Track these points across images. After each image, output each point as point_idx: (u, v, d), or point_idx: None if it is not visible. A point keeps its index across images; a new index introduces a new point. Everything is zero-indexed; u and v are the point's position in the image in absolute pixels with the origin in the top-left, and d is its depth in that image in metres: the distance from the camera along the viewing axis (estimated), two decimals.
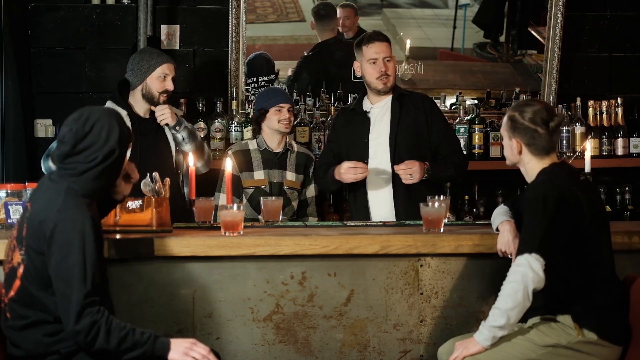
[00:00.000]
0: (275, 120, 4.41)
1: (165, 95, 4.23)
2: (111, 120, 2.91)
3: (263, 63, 5.28)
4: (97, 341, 2.74)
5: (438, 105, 4.68)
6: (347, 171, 4.15)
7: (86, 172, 2.86)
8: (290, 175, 4.48)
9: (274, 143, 4.48)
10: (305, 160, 4.54)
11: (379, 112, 4.32)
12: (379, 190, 4.26)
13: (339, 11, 5.32)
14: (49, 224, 2.78)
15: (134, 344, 2.78)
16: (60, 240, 2.76)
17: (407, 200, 4.15)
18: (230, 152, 4.52)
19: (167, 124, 4.23)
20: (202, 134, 5.02)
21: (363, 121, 4.32)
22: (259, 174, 4.46)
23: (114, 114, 2.99)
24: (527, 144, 3.17)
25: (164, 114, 4.19)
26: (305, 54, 5.33)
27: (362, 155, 4.27)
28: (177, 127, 4.22)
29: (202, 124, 5.02)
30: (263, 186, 4.43)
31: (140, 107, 4.24)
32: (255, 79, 5.25)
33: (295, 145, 4.57)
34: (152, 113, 4.24)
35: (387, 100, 4.31)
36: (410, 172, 4.07)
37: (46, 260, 2.79)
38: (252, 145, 4.52)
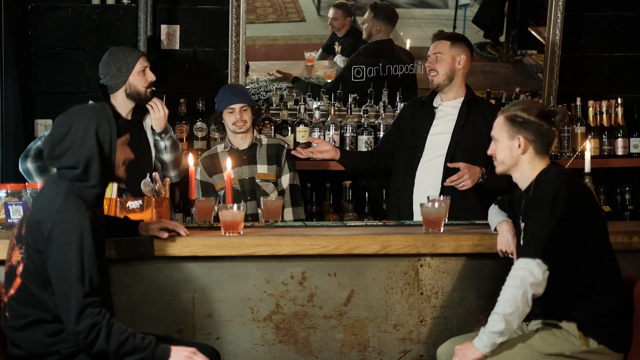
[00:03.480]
0: (230, 122, 4.40)
1: (151, 88, 4.15)
2: (89, 119, 2.87)
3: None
4: (97, 343, 2.74)
5: None
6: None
7: (79, 181, 2.86)
8: (262, 168, 4.45)
9: (238, 141, 4.46)
10: (276, 150, 4.50)
11: (447, 111, 4.29)
12: (427, 187, 4.16)
13: (330, 11, 5.33)
14: (47, 223, 2.78)
15: (133, 348, 2.77)
16: (58, 239, 2.76)
17: (454, 203, 3.97)
18: (199, 160, 4.52)
19: (153, 129, 4.18)
20: (201, 134, 5.03)
21: (428, 115, 4.31)
22: None
23: (96, 109, 2.93)
24: (533, 140, 3.10)
25: (160, 116, 4.12)
26: (359, 51, 5.32)
27: (417, 148, 4.25)
28: (163, 135, 4.15)
29: (202, 124, 5.03)
30: (234, 185, 4.38)
31: (123, 108, 4.11)
32: (255, 79, 5.25)
33: (264, 139, 4.54)
34: (134, 114, 4.16)
35: (458, 101, 4.28)
36: (462, 180, 4.02)
37: (45, 259, 2.79)
38: (220, 147, 4.53)
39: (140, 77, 4.12)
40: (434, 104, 4.33)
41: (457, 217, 3.96)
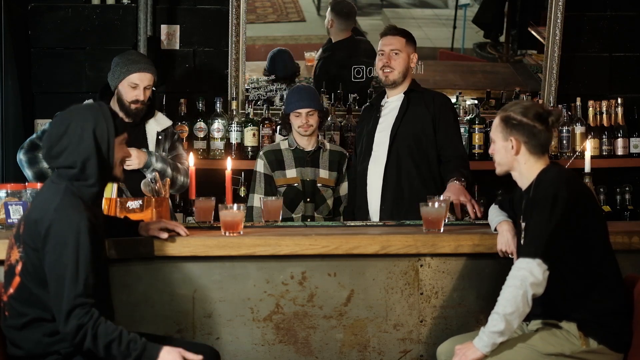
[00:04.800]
0: (296, 125, 4.42)
1: (136, 104, 4.04)
2: (87, 118, 2.87)
3: (282, 61, 5.29)
4: (85, 344, 2.75)
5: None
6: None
7: (77, 180, 2.86)
8: (324, 173, 4.48)
9: (303, 142, 4.48)
10: (339, 157, 4.53)
11: (390, 107, 4.34)
12: (374, 185, 4.28)
13: (327, 14, 5.33)
14: (45, 222, 2.78)
15: (119, 352, 2.76)
16: (54, 239, 2.76)
17: (394, 199, 4.20)
18: (261, 153, 4.52)
19: (158, 134, 4.15)
20: (201, 134, 5.03)
21: (375, 115, 4.37)
22: (291, 172, 4.45)
23: (93, 108, 2.93)
24: (525, 141, 3.10)
25: (131, 161, 3.93)
26: (321, 53, 5.33)
27: (367, 148, 4.32)
28: (145, 170, 4.03)
29: (202, 124, 5.03)
30: (295, 184, 4.42)
31: (119, 110, 4.05)
32: (255, 79, 5.25)
33: (327, 144, 4.56)
34: (132, 117, 4.09)
35: (400, 96, 4.32)
36: (464, 202, 3.98)
37: (41, 257, 2.79)
38: (284, 144, 4.52)
39: (128, 89, 4.04)
40: (381, 104, 4.39)
41: (393, 214, 4.11)
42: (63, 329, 2.74)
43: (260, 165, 4.46)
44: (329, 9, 5.31)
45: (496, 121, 3.19)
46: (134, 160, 3.98)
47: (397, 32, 4.32)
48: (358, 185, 4.38)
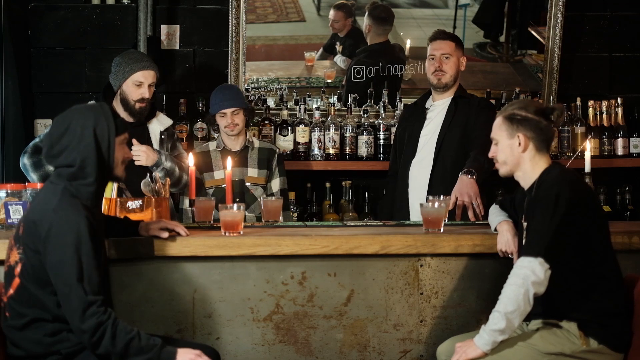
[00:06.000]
0: (222, 125, 4.41)
1: (141, 103, 4.07)
2: (87, 117, 2.88)
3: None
4: (102, 343, 2.74)
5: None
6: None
7: (76, 179, 2.86)
8: (252, 172, 4.46)
9: (230, 142, 4.47)
10: (267, 154, 4.51)
11: (437, 110, 4.35)
12: (418, 186, 4.25)
13: (330, 12, 5.33)
14: (44, 224, 2.78)
15: (139, 349, 2.77)
16: (55, 240, 2.76)
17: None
18: (191, 153, 4.51)
19: (160, 134, 4.15)
20: (201, 134, 5.03)
21: (421, 117, 4.38)
22: (219, 174, 4.45)
23: (94, 108, 2.93)
24: (532, 136, 3.10)
25: (139, 157, 4.00)
26: (357, 55, 5.32)
27: (412, 149, 4.33)
28: (155, 168, 4.06)
29: (202, 124, 5.03)
30: (223, 185, 4.38)
31: (122, 110, 4.09)
32: (255, 79, 5.25)
33: (256, 142, 4.54)
34: (136, 117, 4.11)
35: (447, 100, 4.34)
36: (465, 201, 3.90)
37: (42, 259, 2.79)
38: (212, 146, 4.53)
39: (133, 88, 4.06)
40: (426, 105, 4.40)
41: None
42: (79, 326, 2.73)
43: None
44: (367, 13, 5.31)
45: (498, 121, 3.18)
46: (143, 156, 4.00)
47: (446, 37, 4.36)
48: (399, 185, 4.36)
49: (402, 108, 5.05)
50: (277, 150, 4.60)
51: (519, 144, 3.13)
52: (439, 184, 4.18)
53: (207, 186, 4.46)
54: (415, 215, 4.21)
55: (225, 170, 3.89)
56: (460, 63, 4.35)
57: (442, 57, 4.29)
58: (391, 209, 4.43)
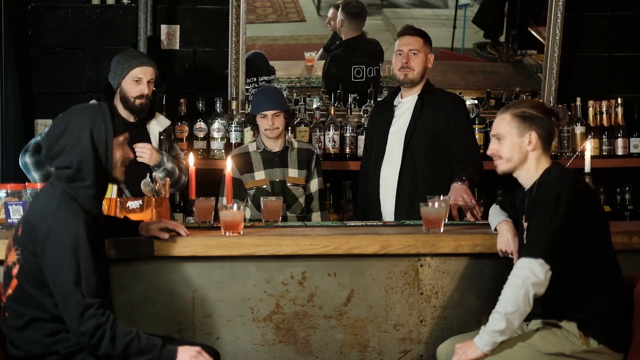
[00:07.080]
0: (262, 127, 4.43)
1: (141, 99, 4.07)
2: (85, 118, 2.87)
3: (261, 63, 5.28)
4: (102, 345, 2.73)
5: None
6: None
7: (74, 181, 2.86)
8: (293, 172, 4.48)
9: (270, 143, 4.48)
10: (307, 155, 4.53)
11: (404, 107, 4.34)
12: (388, 185, 4.27)
13: (329, 11, 5.33)
14: (42, 227, 2.78)
15: (139, 350, 2.77)
16: (53, 243, 2.75)
17: (410, 200, 4.15)
18: (229, 157, 4.52)
19: (160, 134, 4.15)
20: (201, 134, 5.03)
21: (389, 114, 4.37)
22: (260, 174, 4.46)
23: (93, 108, 2.92)
24: (543, 135, 3.10)
25: (143, 154, 4.01)
26: (331, 51, 5.33)
27: (381, 148, 4.32)
28: (156, 168, 4.05)
29: (202, 124, 5.03)
30: (264, 186, 4.44)
31: (123, 109, 4.09)
32: (255, 79, 5.25)
33: (295, 142, 4.56)
34: (137, 115, 4.12)
35: (414, 97, 4.32)
36: (464, 204, 3.96)
37: (40, 262, 2.78)
38: (252, 147, 4.53)
39: (132, 85, 4.06)
40: (395, 103, 4.39)
41: (409, 214, 4.08)
42: (77, 329, 2.73)
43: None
44: (340, 8, 5.31)
45: (507, 118, 3.14)
46: (147, 153, 4.01)
47: (414, 32, 4.33)
48: (370, 185, 4.37)
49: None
50: (315, 150, 4.63)
51: (529, 142, 3.11)
52: (408, 180, 4.20)
53: (247, 187, 4.47)
54: (388, 215, 4.26)
55: (225, 170, 3.89)
56: (427, 60, 4.31)
57: (409, 53, 4.26)
58: (364, 208, 4.43)
